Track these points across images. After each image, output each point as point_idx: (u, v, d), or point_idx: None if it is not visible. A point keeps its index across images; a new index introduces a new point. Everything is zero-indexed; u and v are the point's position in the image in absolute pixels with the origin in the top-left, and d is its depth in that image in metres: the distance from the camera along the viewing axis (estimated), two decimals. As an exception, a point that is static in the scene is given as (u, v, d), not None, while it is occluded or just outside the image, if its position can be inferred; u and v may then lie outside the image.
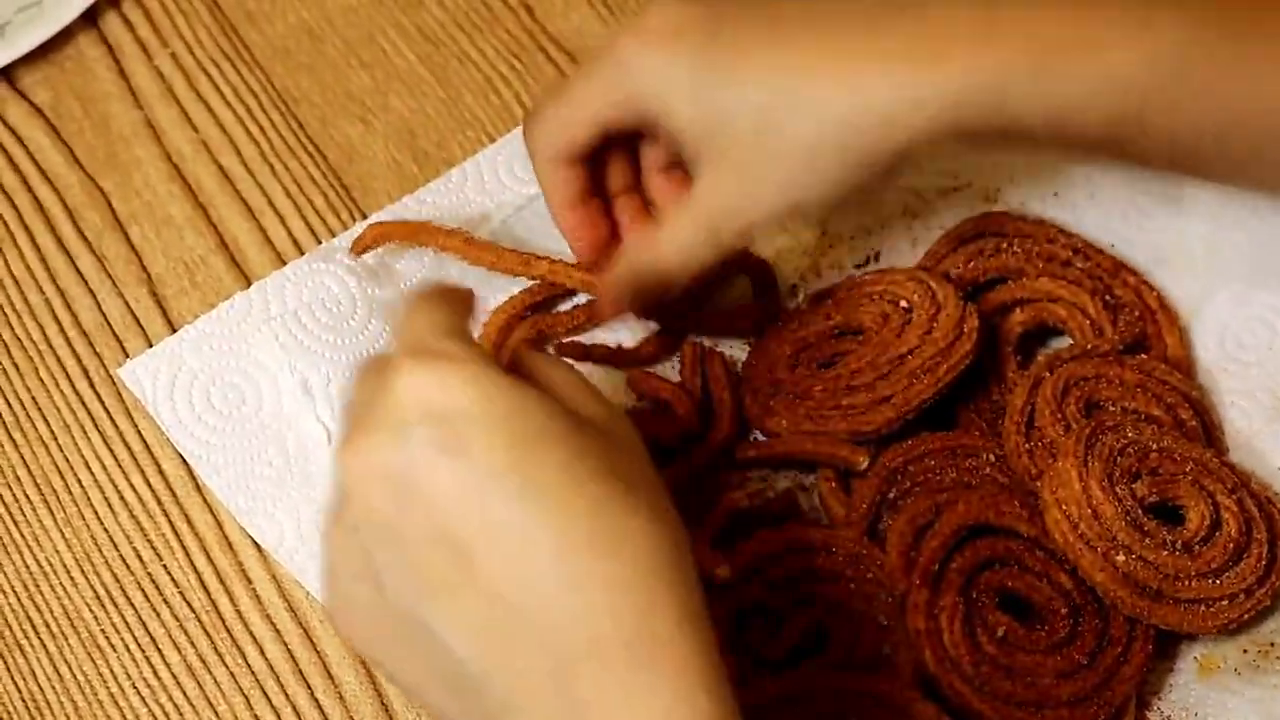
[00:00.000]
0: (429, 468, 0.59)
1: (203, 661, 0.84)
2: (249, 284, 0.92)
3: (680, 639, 0.58)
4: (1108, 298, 0.89)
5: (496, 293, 0.90)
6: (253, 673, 0.84)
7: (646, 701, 0.57)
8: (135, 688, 0.83)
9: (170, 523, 0.87)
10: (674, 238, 0.80)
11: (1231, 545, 0.79)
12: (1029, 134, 0.75)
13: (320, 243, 0.94)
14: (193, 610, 0.85)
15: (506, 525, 0.58)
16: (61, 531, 0.87)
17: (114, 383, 0.91)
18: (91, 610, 0.85)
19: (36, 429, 0.90)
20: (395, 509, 0.59)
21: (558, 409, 0.61)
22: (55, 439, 0.90)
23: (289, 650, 0.84)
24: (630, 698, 0.58)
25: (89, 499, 0.88)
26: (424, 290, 0.67)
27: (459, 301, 0.67)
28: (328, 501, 0.63)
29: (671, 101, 0.77)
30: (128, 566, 0.86)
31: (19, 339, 0.93)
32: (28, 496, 0.88)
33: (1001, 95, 0.73)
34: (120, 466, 0.89)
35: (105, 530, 0.87)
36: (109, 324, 0.93)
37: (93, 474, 0.89)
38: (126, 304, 0.94)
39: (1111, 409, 0.84)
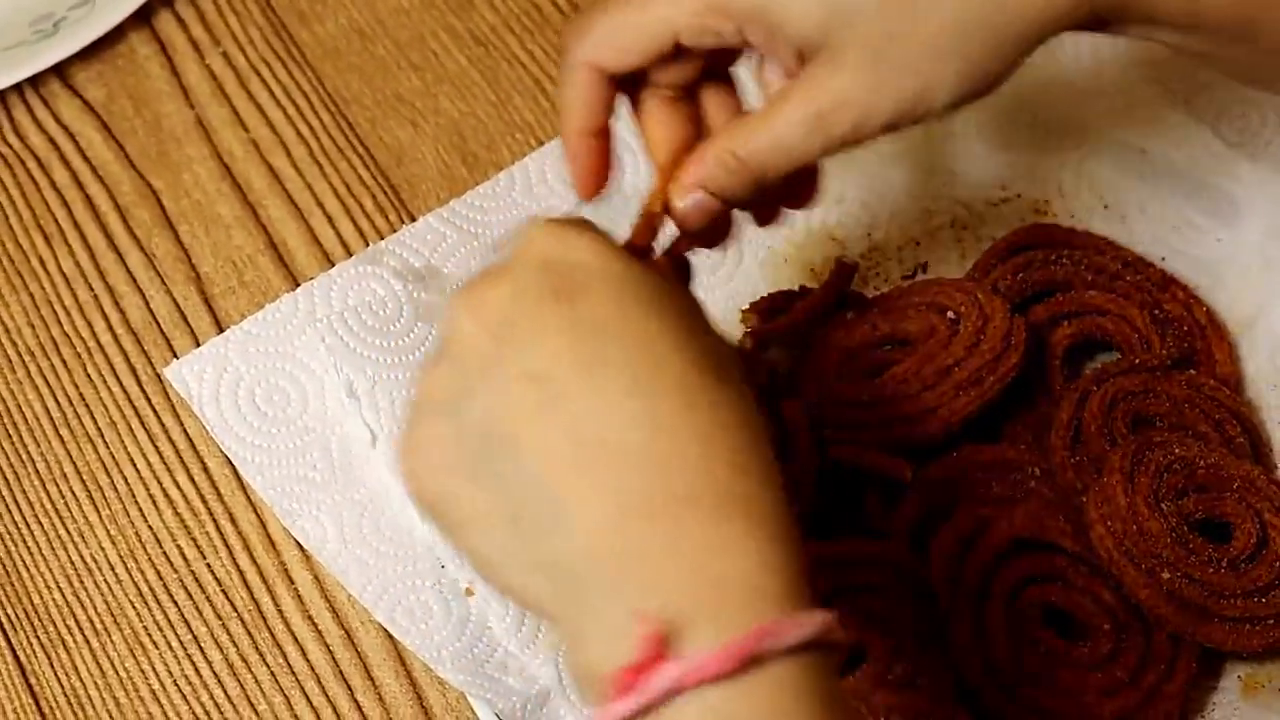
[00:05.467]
0: (537, 308, 0.60)
1: (244, 660, 0.84)
2: (296, 284, 0.93)
3: (764, 498, 0.58)
4: (1156, 312, 0.88)
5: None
6: (293, 672, 0.84)
7: (730, 550, 0.57)
8: (177, 685, 0.84)
9: (214, 521, 0.88)
10: (774, 123, 0.70)
11: (1278, 563, 0.79)
12: (1162, 15, 0.70)
13: (368, 244, 0.94)
14: (235, 609, 0.85)
15: (603, 370, 0.59)
16: (106, 528, 0.88)
17: (160, 381, 0.91)
18: (134, 607, 0.86)
19: (84, 425, 0.90)
20: (496, 343, 0.60)
21: (667, 287, 0.62)
22: (102, 436, 0.90)
23: (330, 651, 0.84)
24: (715, 545, 0.57)
25: (134, 496, 0.88)
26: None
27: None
28: (431, 347, 0.63)
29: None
30: (171, 564, 0.87)
31: (67, 335, 0.93)
32: (74, 492, 0.89)
33: None
34: (165, 464, 0.89)
35: (149, 528, 0.88)
36: (156, 322, 0.93)
37: (138, 471, 0.89)
38: (175, 302, 0.94)
39: (1159, 424, 0.84)
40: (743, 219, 0.74)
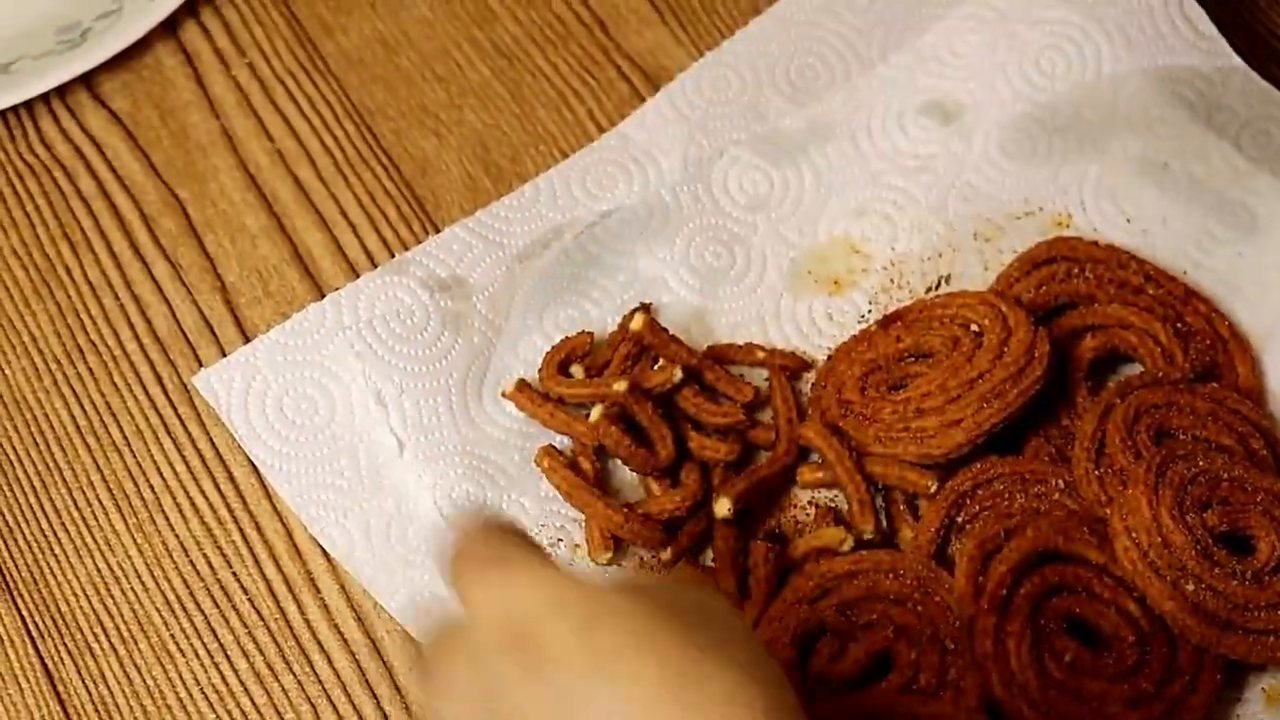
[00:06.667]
0: (512, 685, 0.60)
1: (270, 669, 0.84)
2: (322, 294, 0.93)
3: None
4: (1179, 325, 0.89)
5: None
6: (320, 681, 0.84)
7: None
8: (204, 693, 0.84)
9: (240, 530, 0.88)
10: None
11: (1301, 576, 0.79)
12: None
13: (393, 254, 0.95)
14: (261, 618, 0.86)
15: (569, 705, 0.59)
16: (133, 536, 0.88)
17: (186, 389, 0.92)
18: (161, 615, 0.86)
19: (110, 434, 0.91)
20: (488, 715, 0.61)
21: (616, 589, 0.62)
22: (128, 444, 0.90)
23: (356, 659, 0.85)
24: None
25: (160, 505, 0.89)
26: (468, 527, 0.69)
27: (507, 525, 0.69)
28: None
29: None
30: (198, 573, 0.87)
31: (94, 344, 0.94)
32: (100, 501, 0.89)
33: None
34: (192, 473, 0.90)
35: (176, 536, 0.88)
36: (183, 331, 0.94)
37: (164, 480, 0.89)
38: (200, 311, 0.94)
39: (1182, 437, 0.84)
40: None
